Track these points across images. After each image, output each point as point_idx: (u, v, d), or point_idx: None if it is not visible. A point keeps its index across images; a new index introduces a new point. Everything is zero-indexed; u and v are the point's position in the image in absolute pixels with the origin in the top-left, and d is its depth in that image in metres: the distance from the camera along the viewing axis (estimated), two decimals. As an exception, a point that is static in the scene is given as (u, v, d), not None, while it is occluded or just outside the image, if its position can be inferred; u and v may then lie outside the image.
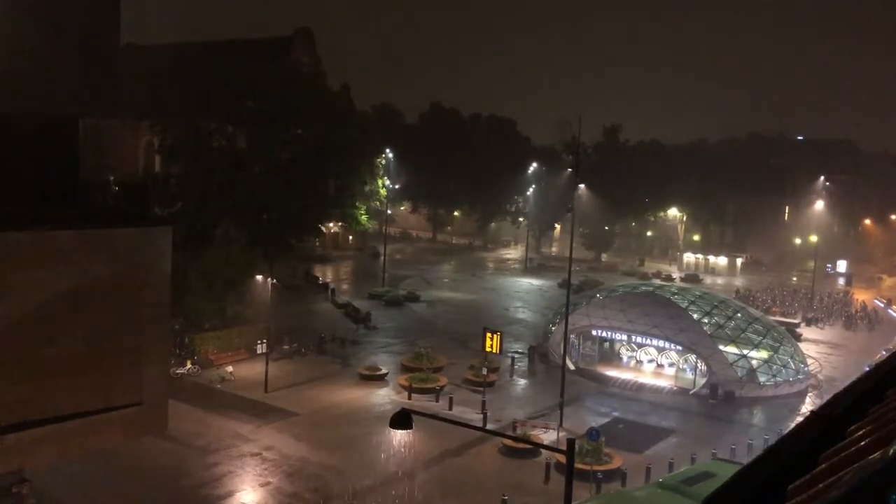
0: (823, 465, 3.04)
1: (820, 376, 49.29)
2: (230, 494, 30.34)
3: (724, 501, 3.11)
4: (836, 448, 3.22)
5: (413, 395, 41.58)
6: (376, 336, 56.14)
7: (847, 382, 4.93)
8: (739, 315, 49.91)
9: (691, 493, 21.01)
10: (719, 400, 43.85)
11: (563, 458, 16.79)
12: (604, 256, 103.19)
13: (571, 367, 45.92)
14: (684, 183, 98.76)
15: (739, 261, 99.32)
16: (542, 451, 32.28)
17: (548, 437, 35.98)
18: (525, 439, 32.39)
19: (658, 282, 76.13)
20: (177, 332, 44.60)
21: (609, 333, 49.92)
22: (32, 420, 21.77)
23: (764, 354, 46.76)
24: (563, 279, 68.60)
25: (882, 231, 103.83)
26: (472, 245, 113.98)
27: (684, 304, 50.04)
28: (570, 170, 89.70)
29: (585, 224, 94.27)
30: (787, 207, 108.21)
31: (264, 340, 45.65)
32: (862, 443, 3.08)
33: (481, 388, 41.50)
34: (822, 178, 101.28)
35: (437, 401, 41.22)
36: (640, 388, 46.14)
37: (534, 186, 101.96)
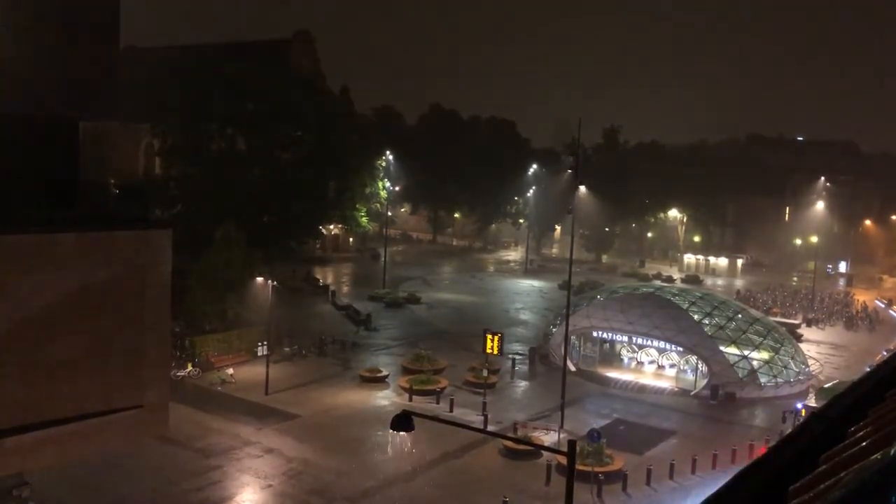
0: (824, 466, 3.04)
1: (821, 377, 49.24)
2: (231, 497, 30.33)
3: (725, 502, 3.11)
4: (837, 449, 3.22)
5: (414, 397, 41.56)
6: (377, 338, 56.12)
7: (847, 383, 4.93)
8: (740, 316, 49.89)
9: None
10: (720, 401, 43.82)
11: (564, 460, 16.80)
12: (604, 258, 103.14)
13: (572, 368, 45.89)
14: (684, 184, 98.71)
15: (740, 262, 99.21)
16: (543, 452, 32.25)
17: (549, 438, 35.96)
18: (526, 441, 32.37)
19: (658, 283, 76.08)
20: (177, 334, 44.54)
21: (610, 335, 49.90)
22: (33, 422, 21.78)
23: (765, 355, 46.75)
24: (563, 280, 68.56)
25: (883, 232, 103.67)
26: (473, 246, 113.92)
27: (685, 306, 50.02)
28: (569, 171, 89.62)
29: (586, 225, 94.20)
30: (787, 208, 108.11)
31: (265, 342, 45.63)
32: (862, 443, 3.09)
33: (482, 390, 41.47)
34: (823, 178, 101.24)
35: (437, 403, 41.21)
36: (641, 389, 46.11)
37: (534, 188, 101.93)
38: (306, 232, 73.97)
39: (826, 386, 43.08)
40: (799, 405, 39.53)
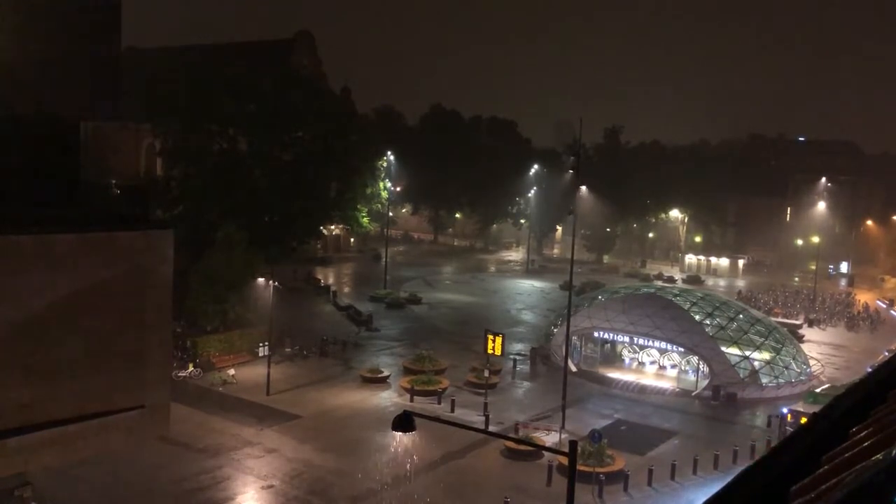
0: (826, 467, 3.04)
1: (822, 377, 49.19)
2: (232, 497, 30.33)
3: (727, 502, 3.10)
4: (839, 449, 3.22)
5: (415, 398, 41.56)
6: (378, 338, 56.11)
7: (849, 384, 4.92)
8: (741, 316, 49.86)
9: None
10: (721, 401, 43.79)
11: (565, 461, 16.78)
12: (605, 258, 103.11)
13: (573, 368, 45.88)
14: (685, 184, 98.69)
15: (741, 262, 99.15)
16: (545, 453, 32.25)
17: (550, 439, 35.95)
18: (527, 441, 32.36)
19: (660, 283, 76.07)
20: (178, 334, 44.58)
21: (611, 335, 49.87)
22: (35, 423, 21.78)
23: (766, 356, 46.71)
24: (564, 281, 68.52)
25: (884, 232, 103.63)
26: (474, 247, 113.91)
27: (686, 306, 49.99)
28: (570, 171, 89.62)
29: (587, 226, 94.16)
30: (788, 208, 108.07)
31: (266, 343, 45.64)
32: (864, 444, 3.08)
33: (483, 391, 41.46)
34: (824, 179, 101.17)
35: (438, 403, 41.20)
36: (643, 389, 46.08)
37: (535, 188, 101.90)
38: (307, 232, 73.98)
39: (818, 390, 42.47)
40: (784, 410, 38.90)
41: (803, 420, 34.28)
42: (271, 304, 44.15)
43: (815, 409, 34.63)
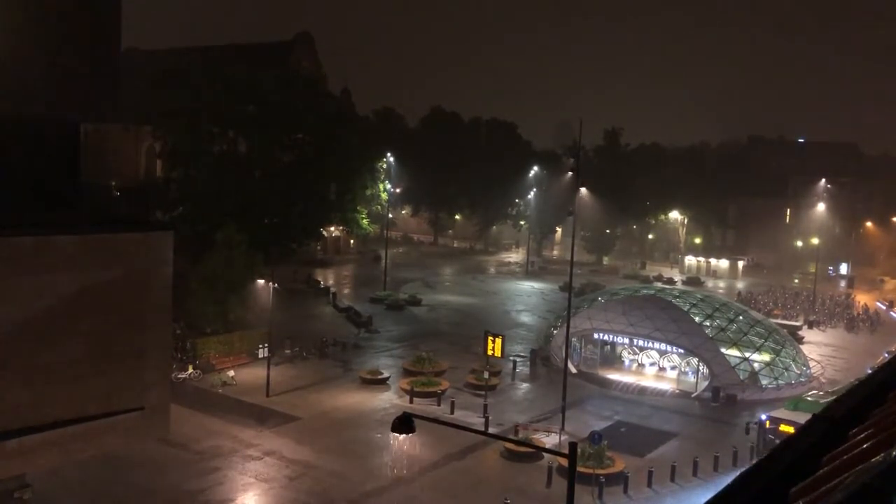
0: (825, 468, 3.04)
1: (822, 379, 49.18)
2: (232, 499, 30.31)
3: (726, 504, 3.10)
4: (838, 451, 3.22)
5: (415, 399, 41.54)
6: (378, 340, 56.09)
7: (838, 390, 4.92)
8: (741, 318, 49.85)
9: None
10: (721, 403, 43.77)
11: (565, 462, 16.79)
12: (605, 259, 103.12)
13: (573, 370, 45.87)
14: (685, 186, 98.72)
15: (741, 263, 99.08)
16: (544, 454, 32.24)
17: (550, 440, 35.94)
18: (527, 443, 32.34)
19: (660, 285, 76.07)
20: (178, 336, 44.56)
21: (611, 337, 49.86)
22: (34, 425, 21.77)
23: (766, 357, 46.71)
24: (564, 282, 68.54)
25: (884, 233, 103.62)
26: (474, 248, 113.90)
27: (686, 307, 50.00)
28: (570, 173, 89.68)
29: (586, 227, 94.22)
30: (788, 210, 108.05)
31: (266, 344, 45.61)
32: (864, 445, 3.08)
33: (483, 392, 41.44)
34: (824, 180, 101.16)
35: (438, 405, 41.18)
36: (642, 391, 46.07)
37: (535, 190, 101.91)
38: (307, 234, 74.03)
39: (805, 396, 41.63)
40: (763, 416, 37.86)
41: (783, 427, 34.17)
42: (271, 305, 44.14)
43: (796, 415, 34.43)
